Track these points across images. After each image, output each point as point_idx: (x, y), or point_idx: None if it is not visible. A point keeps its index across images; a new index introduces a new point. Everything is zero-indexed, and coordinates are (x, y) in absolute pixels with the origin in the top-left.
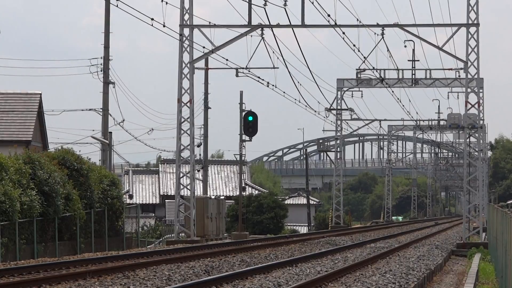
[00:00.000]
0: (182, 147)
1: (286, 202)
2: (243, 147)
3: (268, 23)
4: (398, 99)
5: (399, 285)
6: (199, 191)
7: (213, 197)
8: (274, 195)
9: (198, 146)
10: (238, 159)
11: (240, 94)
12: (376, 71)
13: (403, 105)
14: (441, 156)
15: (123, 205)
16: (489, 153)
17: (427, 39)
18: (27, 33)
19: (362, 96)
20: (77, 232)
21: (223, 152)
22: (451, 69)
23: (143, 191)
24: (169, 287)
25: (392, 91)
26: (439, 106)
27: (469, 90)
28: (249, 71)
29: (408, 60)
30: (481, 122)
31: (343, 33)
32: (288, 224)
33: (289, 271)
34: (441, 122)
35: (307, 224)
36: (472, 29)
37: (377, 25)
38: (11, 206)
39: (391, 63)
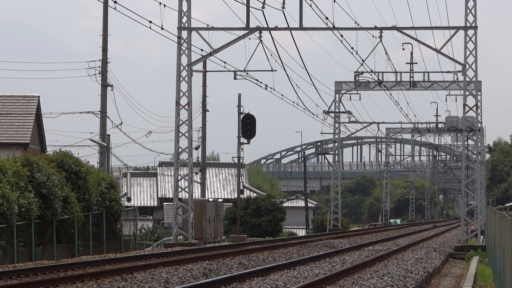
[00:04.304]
0: (180, 150)
1: (284, 204)
2: (241, 150)
3: (266, 26)
4: (396, 102)
5: None
6: (197, 194)
7: (211, 199)
8: (272, 198)
9: (196, 148)
10: (236, 161)
11: (238, 97)
12: (374, 74)
13: (401, 108)
14: (439, 158)
15: (121, 207)
16: (487, 156)
17: (425, 42)
18: (25, 35)
19: (360, 99)
20: (75, 234)
21: (218, 154)
22: (449, 71)
23: (141, 194)
24: None
25: (390, 94)
26: (437, 108)
27: (467, 92)
28: (247, 74)
29: (406, 63)
30: (479, 124)
31: (341, 35)
32: (286, 226)
33: (287, 273)
34: (439, 125)
35: (305, 227)
36: (470, 32)
37: (375, 28)
38: (9, 208)
39: (389, 66)
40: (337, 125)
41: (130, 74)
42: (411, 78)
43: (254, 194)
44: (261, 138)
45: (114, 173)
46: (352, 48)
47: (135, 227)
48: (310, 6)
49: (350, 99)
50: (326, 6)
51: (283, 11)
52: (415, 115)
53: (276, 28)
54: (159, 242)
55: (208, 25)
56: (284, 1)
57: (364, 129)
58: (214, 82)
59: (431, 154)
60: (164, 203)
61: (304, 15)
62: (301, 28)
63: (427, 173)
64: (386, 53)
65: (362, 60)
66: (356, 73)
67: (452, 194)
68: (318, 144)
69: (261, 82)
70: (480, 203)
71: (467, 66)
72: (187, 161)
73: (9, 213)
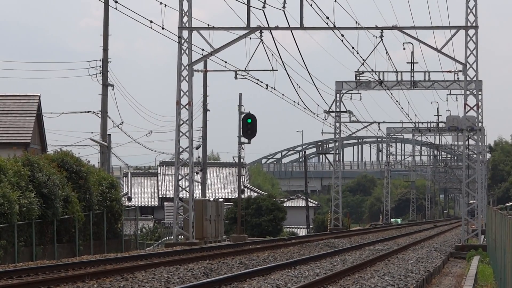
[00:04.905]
0: (181, 150)
1: (284, 204)
2: (242, 149)
3: (267, 26)
4: (397, 101)
5: (398, 287)
6: (198, 194)
7: (212, 199)
8: (273, 198)
9: (197, 148)
10: (237, 161)
11: (239, 97)
12: (375, 74)
13: (402, 108)
14: (440, 158)
15: (122, 207)
16: (488, 156)
17: (426, 42)
18: (25, 35)
19: (361, 99)
20: (76, 234)
21: (218, 153)
22: (450, 71)
23: (142, 194)
24: None
25: (391, 94)
26: (438, 108)
27: (468, 92)
28: (248, 74)
29: (407, 63)
30: (480, 124)
31: (342, 35)
32: (287, 226)
33: (288, 273)
34: (440, 125)
35: (306, 227)
36: (471, 32)
37: (376, 28)
38: (10, 208)
39: (390, 66)
40: (337, 124)
41: (131, 73)
42: (412, 78)
43: (255, 194)
44: (262, 138)
45: (115, 173)
46: (353, 47)
47: (136, 226)
48: (311, 5)
49: (351, 98)
50: (327, 5)
51: (283, 11)
52: (416, 115)
53: (277, 28)
54: (159, 241)
55: (209, 24)
56: (284, 1)
57: (364, 129)
58: (214, 82)
59: (431, 153)
60: (164, 202)
61: (305, 14)
62: (301, 27)
63: (427, 173)
64: (387, 52)
65: (363, 59)
66: (357, 73)
67: (453, 194)
68: (319, 143)
69: (261, 82)
70: (480, 202)
71: (468, 66)
72: (187, 160)
73: (10, 212)
